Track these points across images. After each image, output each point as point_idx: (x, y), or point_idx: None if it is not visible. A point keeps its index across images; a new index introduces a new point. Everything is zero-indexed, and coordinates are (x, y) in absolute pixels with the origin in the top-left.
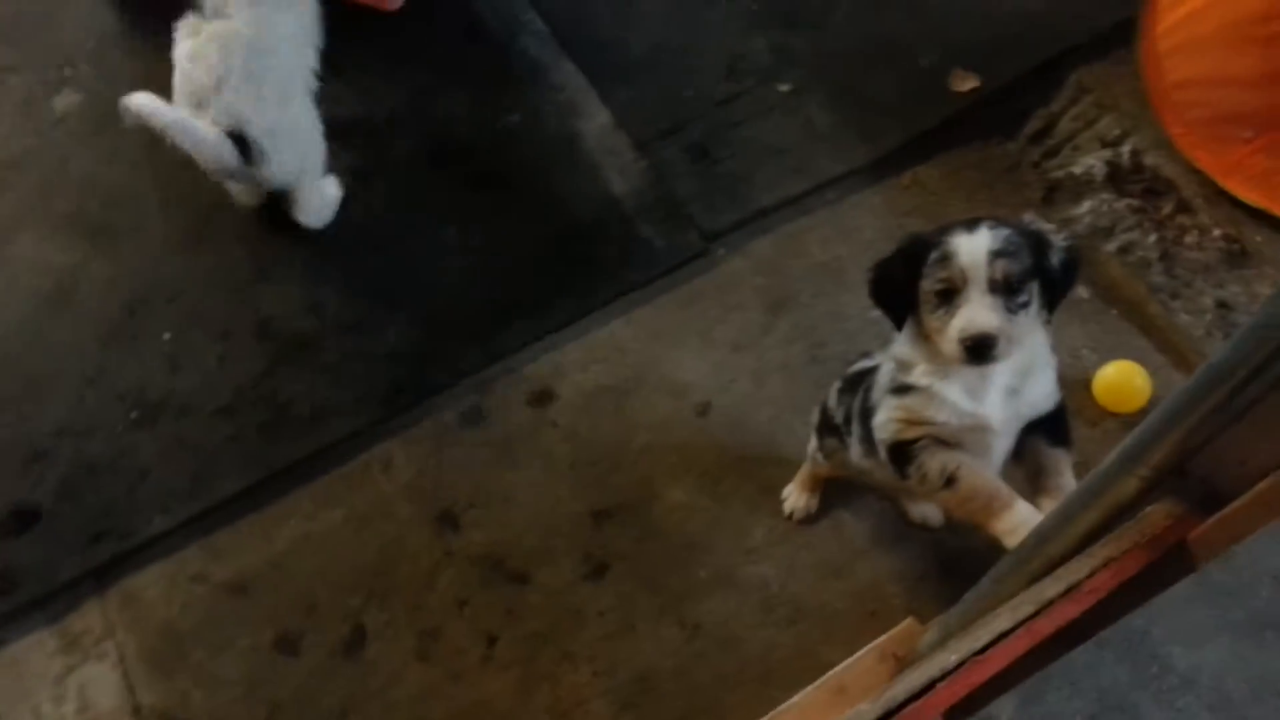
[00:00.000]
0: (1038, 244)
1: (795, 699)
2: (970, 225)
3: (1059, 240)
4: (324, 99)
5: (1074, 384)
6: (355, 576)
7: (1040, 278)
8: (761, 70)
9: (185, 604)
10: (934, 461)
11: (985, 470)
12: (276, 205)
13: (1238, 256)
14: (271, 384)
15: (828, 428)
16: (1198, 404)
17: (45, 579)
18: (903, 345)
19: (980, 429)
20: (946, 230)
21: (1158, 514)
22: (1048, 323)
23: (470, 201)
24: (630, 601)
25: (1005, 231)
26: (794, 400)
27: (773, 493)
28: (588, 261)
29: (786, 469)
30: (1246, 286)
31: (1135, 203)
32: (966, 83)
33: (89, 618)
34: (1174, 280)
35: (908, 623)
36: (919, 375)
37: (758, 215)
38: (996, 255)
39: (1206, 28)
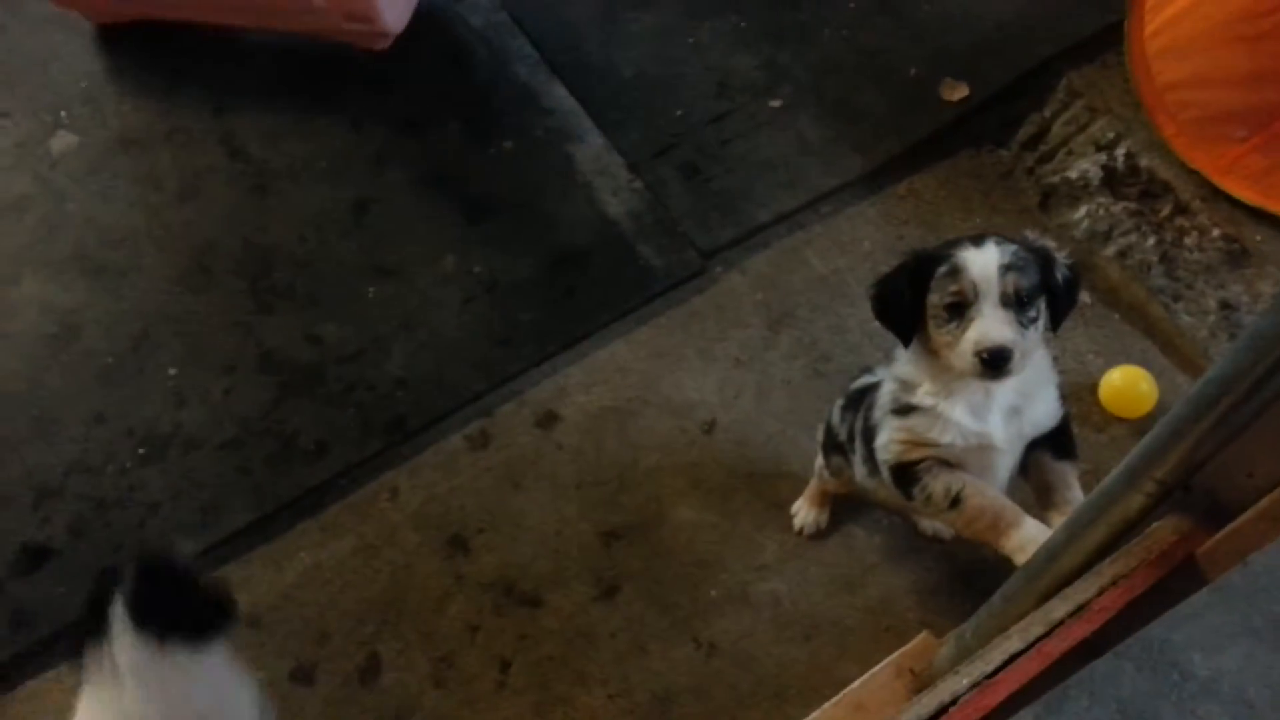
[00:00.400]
0: (1044, 260)
1: (813, 716)
2: (977, 240)
3: (1062, 257)
4: (314, 134)
5: (1080, 389)
6: (367, 605)
7: (1047, 294)
8: (751, 87)
9: None
10: (938, 483)
11: (990, 489)
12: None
13: (1238, 256)
14: (277, 416)
15: (833, 445)
16: (1200, 418)
17: (58, 616)
18: (905, 365)
19: (984, 449)
20: (953, 245)
21: (1165, 530)
22: (1052, 332)
23: (467, 228)
24: (642, 622)
25: (1013, 246)
26: (799, 415)
27: (782, 508)
28: (586, 283)
29: (795, 484)
30: (1249, 286)
31: (1132, 205)
32: (957, 91)
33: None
34: (1175, 282)
35: (923, 637)
36: (923, 395)
37: (754, 231)
38: (1007, 269)
39: (1193, 29)
